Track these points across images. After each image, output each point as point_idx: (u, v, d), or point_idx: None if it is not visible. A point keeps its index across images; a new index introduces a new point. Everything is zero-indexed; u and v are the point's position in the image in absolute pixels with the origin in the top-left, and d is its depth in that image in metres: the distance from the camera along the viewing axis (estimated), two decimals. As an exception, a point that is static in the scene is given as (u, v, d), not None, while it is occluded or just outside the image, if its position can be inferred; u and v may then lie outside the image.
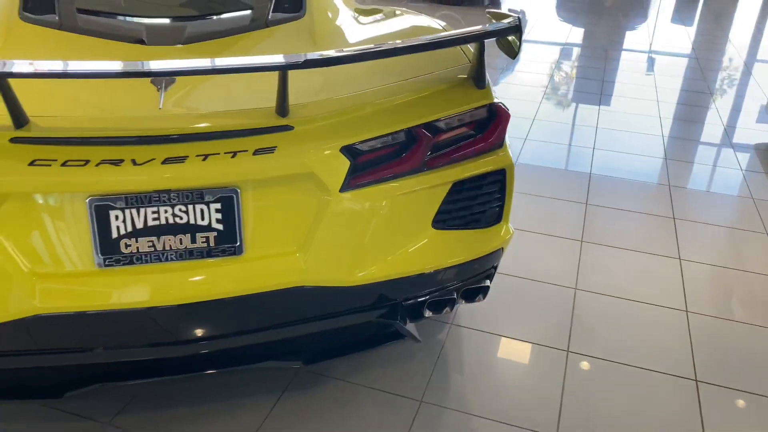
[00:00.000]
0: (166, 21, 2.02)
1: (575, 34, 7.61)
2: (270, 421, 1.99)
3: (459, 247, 1.84)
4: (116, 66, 1.34)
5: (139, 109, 1.53)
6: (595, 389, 2.18)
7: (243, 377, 2.16)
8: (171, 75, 1.39)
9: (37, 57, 1.59)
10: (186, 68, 1.39)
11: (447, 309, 1.95)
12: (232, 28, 2.01)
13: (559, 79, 5.78)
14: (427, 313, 1.92)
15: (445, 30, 2.18)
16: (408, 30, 2.21)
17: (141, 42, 1.88)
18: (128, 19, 2.01)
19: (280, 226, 1.62)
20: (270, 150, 1.53)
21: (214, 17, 2.07)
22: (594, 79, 5.77)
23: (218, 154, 1.49)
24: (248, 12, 2.12)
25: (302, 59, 1.42)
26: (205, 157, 1.48)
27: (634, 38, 7.54)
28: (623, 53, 6.79)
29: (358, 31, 2.20)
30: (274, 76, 1.54)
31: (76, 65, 1.35)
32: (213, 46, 1.90)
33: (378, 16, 2.44)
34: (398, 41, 1.58)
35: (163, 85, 1.62)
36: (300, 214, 1.63)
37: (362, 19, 2.37)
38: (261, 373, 2.17)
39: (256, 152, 1.52)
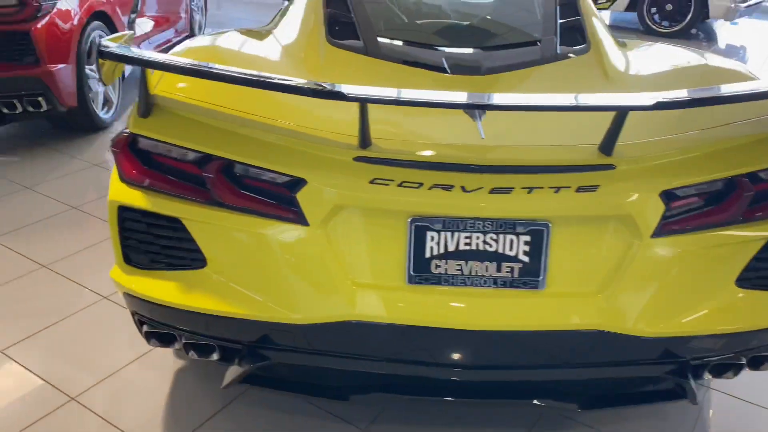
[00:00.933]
0: (463, 51, 2.10)
1: (811, 75, 6.82)
2: (521, 457, 1.96)
3: (763, 309, 1.68)
4: (472, 98, 1.41)
5: (463, 137, 1.58)
6: None
7: (492, 409, 2.14)
8: (515, 110, 1.43)
9: (350, 80, 1.71)
10: (529, 104, 1.42)
11: (729, 373, 1.79)
12: (525, 61, 2.03)
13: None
14: (707, 376, 1.78)
15: (739, 70, 2.03)
16: (702, 68, 2.10)
17: (442, 71, 1.96)
18: (426, 48, 2.11)
19: (583, 266, 1.59)
20: (592, 188, 1.51)
21: (507, 50, 2.11)
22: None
23: (542, 188, 1.50)
24: (537, 45, 2.13)
25: (652, 101, 1.38)
26: (530, 189, 1.50)
27: None
28: None
29: (647, 66, 2.13)
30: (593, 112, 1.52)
31: (426, 95, 1.43)
32: (512, 77, 1.93)
33: (653, 50, 2.34)
34: (742, 85, 1.49)
35: (477, 114, 1.66)
36: (605, 256, 1.58)
37: (641, 53, 2.29)
38: (508, 408, 2.15)
39: (579, 189, 1.50)
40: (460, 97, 1.43)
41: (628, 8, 7.92)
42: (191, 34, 6.30)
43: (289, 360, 1.71)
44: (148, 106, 1.64)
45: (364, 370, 1.68)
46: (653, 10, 7.83)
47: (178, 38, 5.91)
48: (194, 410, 2.10)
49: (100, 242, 3.04)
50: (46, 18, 3.70)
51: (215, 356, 1.77)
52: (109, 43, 1.56)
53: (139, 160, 1.67)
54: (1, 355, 2.29)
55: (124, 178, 1.68)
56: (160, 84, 1.73)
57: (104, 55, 1.52)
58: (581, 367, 1.67)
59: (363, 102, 1.43)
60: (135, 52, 1.55)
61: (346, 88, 1.42)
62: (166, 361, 2.31)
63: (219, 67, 1.51)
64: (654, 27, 7.83)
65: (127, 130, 1.68)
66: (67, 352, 2.33)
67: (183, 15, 6.00)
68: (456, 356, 1.63)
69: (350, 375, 1.76)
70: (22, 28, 3.63)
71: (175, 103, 1.68)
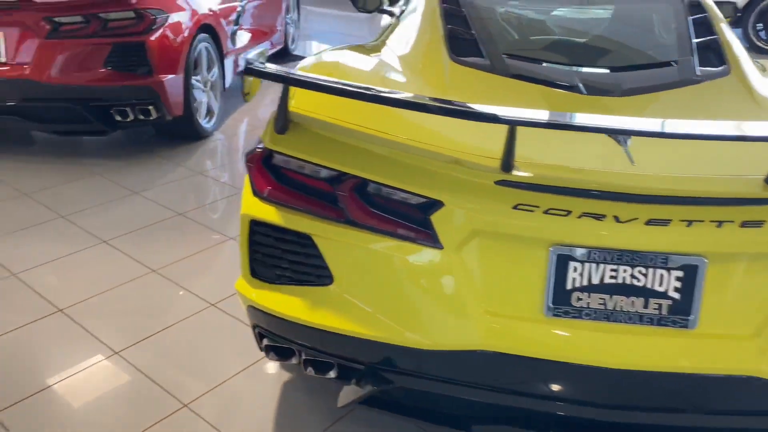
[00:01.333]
0: (595, 71, 2.01)
1: None
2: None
3: None
4: (641, 125, 1.33)
5: (612, 163, 1.50)
6: None
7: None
8: (691, 138, 1.34)
9: (480, 99, 1.65)
10: (709, 133, 1.32)
11: None
12: (663, 83, 1.93)
13: None
14: None
15: None
16: None
17: (576, 90, 1.88)
18: (556, 66, 2.04)
19: (739, 306, 1.47)
20: (758, 224, 1.39)
21: (642, 70, 2.00)
22: None
23: (703, 221, 1.40)
24: (673, 66, 2.02)
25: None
26: (690, 223, 1.40)
27: None
28: None
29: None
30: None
31: (586, 120, 1.36)
32: (652, 100, 1.83)
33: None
34: None
35: (623, 138, 1.57)
36: (764, 296, 1.46)
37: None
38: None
39: (744, 224, 1.39)
40: (627, 123, 1.35)
41: (732, 24, 7.52)
42: (285, 47, 6.44)
43: (412, 385, 1.67)
44: (285, 122, 1.65)
45: (491, 402, 1.61)
46: (759, 26, 7.42)
47: (273, 50, 6.06)
48: (302, 425, 2.09)
49: (205, 249, 3.12)
50: (160, 30, 3.86)
51: (332, 374, 1.75)
52: (253, 59, 1.57)
53: (273, 175, 1.67)
54: (117, 357, 2.37)
55: (257, 193, 1.69)
56: (294, 100, 1.73)
57: (250, 72, 1.53)
58: (730, 415, 1.54)
59: (516, 125, 1.38)
60: (278, 69, 1.56)
61: (499, 110, 1.37)
62: (274, 372, 2.32)
63: (366, 87, 1.49)
64: (759, 44, 7.41)
65: (262, 145, 1.70)
66: (178, 358, 2.38)
67: (279, 28, 6.15)
68: (593, 394, 1.54)
69: (473, 405, 1.69)
70: (137, 40, 3.80)
71: (310, 120, 1.68)
